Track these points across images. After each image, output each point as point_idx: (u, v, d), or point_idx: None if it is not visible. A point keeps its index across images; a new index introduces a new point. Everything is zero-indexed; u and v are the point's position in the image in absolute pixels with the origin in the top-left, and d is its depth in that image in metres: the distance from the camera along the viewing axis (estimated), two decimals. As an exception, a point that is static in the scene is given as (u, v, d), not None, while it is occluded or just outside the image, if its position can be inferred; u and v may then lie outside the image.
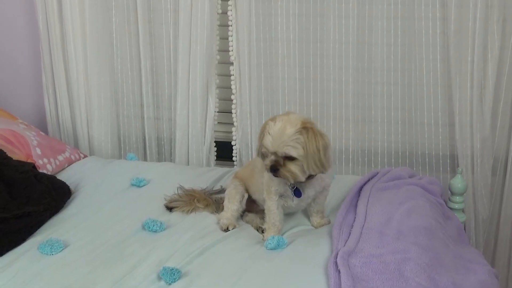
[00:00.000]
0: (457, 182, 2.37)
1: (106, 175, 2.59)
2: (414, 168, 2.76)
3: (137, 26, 2.91)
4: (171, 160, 3.06)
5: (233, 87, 2.88)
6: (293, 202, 2.08)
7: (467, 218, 2.55)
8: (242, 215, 2.24)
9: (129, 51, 2.97)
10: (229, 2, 2.78)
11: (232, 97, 2.90)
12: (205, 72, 2.85)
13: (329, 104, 2.79)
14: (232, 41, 2.82)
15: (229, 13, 2.80)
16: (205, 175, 2.62)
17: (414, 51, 2.65)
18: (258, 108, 2.85)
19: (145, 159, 3.11)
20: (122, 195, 2.42)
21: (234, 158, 2.99)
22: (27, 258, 1.93)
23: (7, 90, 3.23)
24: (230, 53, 2.84)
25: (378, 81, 2.73)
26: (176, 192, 2.36)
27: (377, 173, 2.45)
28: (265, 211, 2.11)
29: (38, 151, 2.59)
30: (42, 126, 3.16)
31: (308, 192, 2.07)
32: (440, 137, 2.71)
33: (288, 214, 2.20)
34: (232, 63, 2.86)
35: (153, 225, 2.11)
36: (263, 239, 2.06)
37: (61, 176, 2.50)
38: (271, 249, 1.96)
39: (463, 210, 2.43)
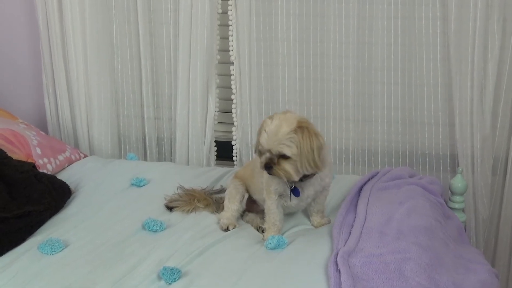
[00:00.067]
0: (457, 182, 2.37)
1: (106, 175, 2.59)
2: (414, 168, 2.75)
3: (137, 26, 2.91)
4: (171, 160, 3.06)
5: (233, 86, 2.88)
6: (292, 201, 2.08)
7: (467, 218, 2.55)
8: (242, 215, 2.24)
9: (129, 51, 2.97)
10: (229, 2, 2.78)
11: (232, 96, 2.90)
12: (205, 72, 2.85)
13: (329, 104, 2.79)
14: (232, 40, 2.82)
15: (229, 12, 2.80)
16: (205, 175, 2.62)
17: (414, 51, 2.65)
18: (258, 108, 2.85)
19: (145, 159, 3.11)
20: (122, 195, 2.42)
21: (234, 158, 2.99)
22: (27, 258, 1.93)
23: (7, 90, 3.23)
24: (230, 52, 2.84)
25: (378, 81, 2.73)
26: (176, 192, 2.36)
27: (377, 172, 2.45)
28: (265, 211, 2.11)
29: (38, 150, 2.59)
30: (42, 125, 3.16)
31: (308, 192, 2.07)
32: (440, 137, 2.71)
33: (288, 214, 2.20)
34: (232, 63, 2.86)
35: (153, 225, 2.11)
36: (263, 239, 2.06)
37: (61, 176, 2.50)
38: (271, 248, 1.96)
39: (463, 210, 2.43)
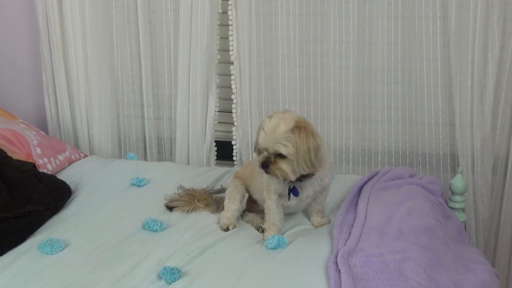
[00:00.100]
0: (458, 182, 2.36)
1: (106, 175, 2.59)
2: (415, 168, 2.75)
3: (137, 26, 2.91)
4: (171, 160, 3.06)
5: (233, 86, 2.88)
6: (291, 202, 2.08)
7: (467, 217, 2.55)
8: (242, 215, 2.24)
9: (129, 50, 2.97)
10: (230, 2, 2.78)
11: (233, 96, 2.90)
12: (205, 72, 2.85)
13: (330, 104, 2.79)
14: (232, 40, 2.82)
15: (229, 12, 2.80)
16: (205, 174, 2.62)
17: (415, 50, 2.65)
18: (258, 108, 2.85)
19: (145, 158, 3.10)
20: (122, 195, 2.42)
21: (234, 158, 2.99)
22: (27, 258, 1.93)
23: (7, 90, 3.23)
24: (231, 52, 2.84)
25: (379, 81, 2.73)
26: (176, 192, 2.36)
27: (378, 172, 2.44)
28: (265, 211, 2.11)
29: (38, 150, 2.59)
30: (42, 125, 3.16)
31: (307, 192, 2.07)
32: (441, 137, 2.71)
33: (288, 214, 2.20)
34: (232, 63, 2.86)
35: (153, 225, 2.11)
36: (263, 239, 2.06)
37: (61, 176, 2.50)
38: (271, 248, 1.96)
39: (463, 210, 2.42)
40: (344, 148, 2.82)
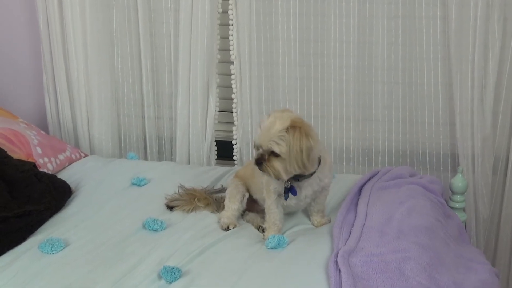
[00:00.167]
0: (458, 181, 2.36)
1: (107, 174, 2.59)
2: (415, 167, 2.75)
3: (137, 26, 2.91)
4: (171, 159, 3.06)
5: (233, 86, 2.88)
6: (290, 201, 2.07)
7: (467, 217, 2.55)
8: (242, 214, 2.24)
9: (129, 50, 2.97)
10: (230, 1, 2.78)
11: (233, 96, 2.90)
12: (205, 71, 2.85)
13: (330, 103, 2.79)
14: (232, 40, 2.82)
15: (229, 12, 2.80)
16: (206, 174, 2.62)
17: (415, 50, 2.65)
18: (258, 107, 2.85)
19: (145, 158, 3.11)
20: (122, 194, 2.42)
21: (234, 157, 2.99)
22: (27, 257, 1.93)
23: (7, 90, 3.23)
24: (231, 52, 2.84)
25: (379, 80, 2.73)
26: (177, 191, 2.36)
27: (378, 172, 2.45)
28: (265, 210, 2.11)
29: (39, 150, 2.59)
30: (42, 125, 3.16)
31: (306, 192, 2.07)
32: (441, 136, 2.71)
33: (289, 214, 2.20)
34: (232, 62, 2.86)
35: (154, 224, 2.11)
36: (263, 238, 2.06)
37: (62, 175, 2.50)
38: (271, 248, 1.96)
39: (463, 209, 2.42)
40: (344, 148, 2.82)
